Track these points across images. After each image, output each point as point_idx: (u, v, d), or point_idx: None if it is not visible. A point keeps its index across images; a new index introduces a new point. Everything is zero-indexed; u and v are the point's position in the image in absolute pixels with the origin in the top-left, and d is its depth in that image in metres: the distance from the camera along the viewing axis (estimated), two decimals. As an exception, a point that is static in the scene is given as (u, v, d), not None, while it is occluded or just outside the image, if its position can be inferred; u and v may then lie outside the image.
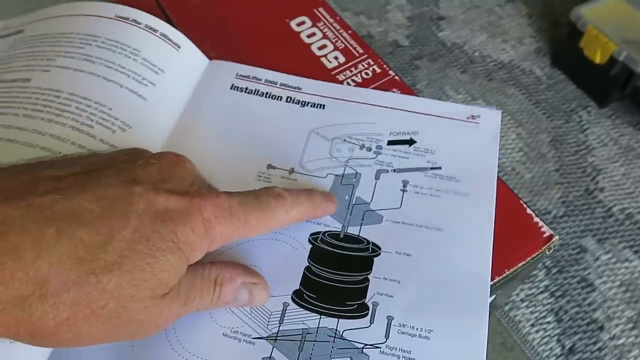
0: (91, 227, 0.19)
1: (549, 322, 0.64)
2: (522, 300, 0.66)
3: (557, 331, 0.63)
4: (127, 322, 0.19)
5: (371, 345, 0.23)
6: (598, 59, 0.86)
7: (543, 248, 0.29)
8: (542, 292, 0.67)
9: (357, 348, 0.23)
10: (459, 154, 0.29)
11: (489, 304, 0.25)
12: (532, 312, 0.65)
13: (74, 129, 0.29)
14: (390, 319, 0.24)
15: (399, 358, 0.23)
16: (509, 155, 0.82)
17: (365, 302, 0.25)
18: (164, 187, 0.21)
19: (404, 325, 0.24)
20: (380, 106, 0.31)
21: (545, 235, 0.30)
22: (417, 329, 0.24)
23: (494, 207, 0.28)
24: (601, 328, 0.65)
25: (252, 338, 0.24)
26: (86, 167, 0.21)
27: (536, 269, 0.68)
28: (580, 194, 0.78)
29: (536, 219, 0.31)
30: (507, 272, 0.28)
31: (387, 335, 0.24)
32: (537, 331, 0.63)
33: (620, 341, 0.63)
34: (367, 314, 0.24)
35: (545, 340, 0.63)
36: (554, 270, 0.69)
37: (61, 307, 0.18)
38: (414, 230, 0.27)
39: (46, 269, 0.17)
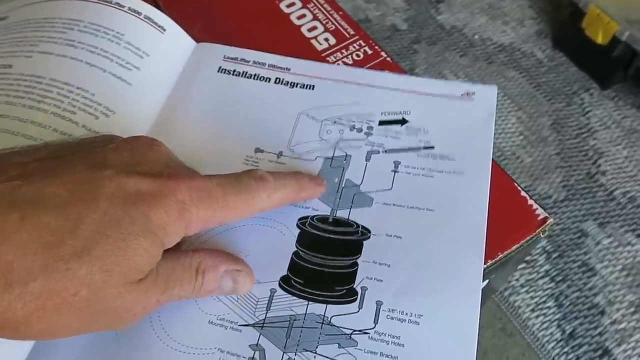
0: (58, 212, 0.18)
1: (549, 307, 0.64)
2: (522, 286, 0.65)
3: (557, 316, 0.63)
4: (102, 310, 0.19)
5: (360, 330, 0.23)
6: (600, 39, 0.84)
7: (537, 231, 0.29)
8: (542, 277, 0.66)
9: (345, 334, 0.23)
10: (453, 132, 0.28)
11: (481, 289, 0.24)
12: (532, 297, 0.64)
13: (55, 115, 0.28)
14: (379, 304, 0.24)
15: (388, 344, 0.23)
16: (509, 139, 0.81)
17: (354, 287, 0.24)
18: (135, 170, 0.20)
19: (393, 310, 0.23)
20: (371, 86, 0.31)
21: (539, 217, 0.29)
22: (406, 313, 0.23)
23: (489, 186, 0.27)
24: (602, 313, 0.64)
25: (239, 325, 0.23)
26: (53, 154, 0.21)
27: (536, 253, 0.68)
28: (581, 177, 0.77)
29: (530, 202, 0.30)
30: (501, 256, 0.27)
31: (375, 321, 0.23)
32: (537, 316, 0.63)
33: (622, 325, 0.63)
34: (355, 299, 0.24)
35: (545, 325, 0.62)
36: (555, 255, 0.68)
37: (28, 296, 0.17)
38: (404, 212, 0.26)
39: (10, 256, 0.17)
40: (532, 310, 0.63)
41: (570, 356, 0.60)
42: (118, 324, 0.20)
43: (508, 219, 0.28)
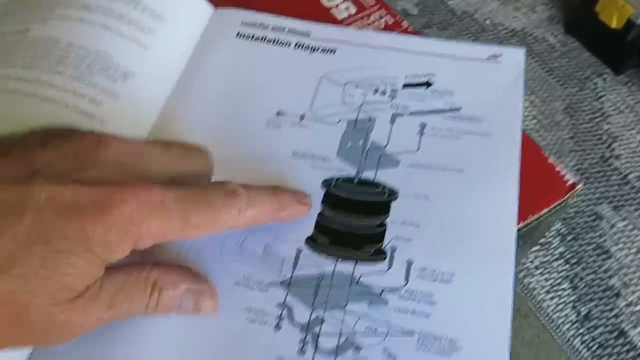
0: None
1: (564, 289, 0.63)
2: (537, 268, 0.65)
3: (572, 298, 0.62)
4: (29, 329, 0.17)
5: (390, 289, 0.22)
6: (614, 23, 0.83)
7: (567, 196, 0.28)
8: (556, 260, 0.65)
9: (374, 293, 0.22)
10: (480, 94, 0.27)
11: (515, 248, 0.24)
12: (546, 279, 0.64)
13: (73, 79, 0.28)
14: (409, 263, 0.23)
15: (419, 302, 0.22)
16: (522, 124, 0.80)
17: (383, 246, 0.24)
18: (74, 177, 0.18)
19: (424, 269, 0.23)
20: (394, 49, 0.30)
21: (568, 183, 0.29)
22: (438, 272, 0.23)
23: (519, 149, 0.26)
24: (617, 295, 0.63)
25: (265, 285, 0.23)
26: None
27: (550, 236, 0.67)
28: (595, 161, 0.76)
29: (558, 168, 0.30)
30: (531, 219, 0.27)
31: (406, 279, 0.23)
32: (551, 298, 0.62)
33: (637, 307, 0.62)
34: (384, 259, 0.23)
35: (560, 307, 0.62)
36: (569, 238, 0.68)
37: None
38: (432, 173, 0.25)
39: None
40: (547, 292, 0.62)
41: (585, 337, 0.59)
42: (53, 342, 0.19)
43: (537, 184, 0.28)
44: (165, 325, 0.22)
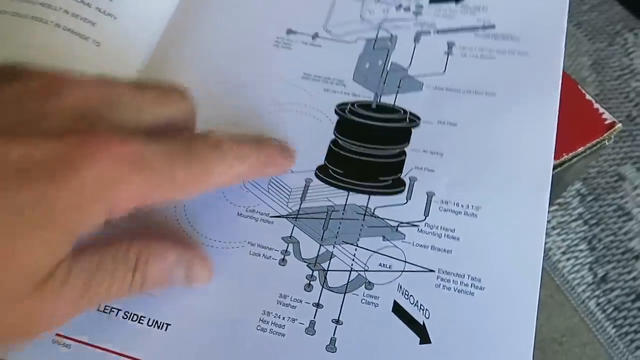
0: None
1: (581, 250, 0.61)
2: (554, 228, 0.62)
3: (589, 259, 0.60)
4: None
5: (408, 223, 0.20)
6: (651, -27, 0.77)
7: (605, 134, 0.26)
8: (575, 220, 0.63)
9: (390, 226, 0.20)
10: (518, 10, 0.24)
11: (550, 183, 0.21)
12: (563, 240, 0.61)
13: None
14: (430, 194, 0.20)
15: (441, 237, 0.20)
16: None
17: (402, 177, 0.21)
18: (25, 130, 0.14)
19: (446, 202, 0.20)
20: (420, -39, 0.26)
21: (607, 122, 0.26)
22: (462, 205, 0.20)
23: (561, 71, 0.23)
24: (637, 257, 0.61)
25: (270, 217, 0.20)
26: None
27: (569, 196, 0.64)
28: (621, 120, 0.72)
29: (597, 105, 0.27)
30: (566, 157, 0.24)
31: (426, 213, 0.20)
32: (568, 259, 0.60)
33: (657, 271, 0.60)
34: (403, 190, 0.21)
35: (576, 268, 0.59)
36: (589, 198, 0.65)
37: None
38: (460, 97, 0.22)
39: None
40: (563, 253, 0.60)
41: (601, 299, 0.57)
42: (19, 340, 0.16)
43: (573, 120, 0.25)
44: None
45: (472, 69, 0.23)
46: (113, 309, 0.19)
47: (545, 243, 0.59)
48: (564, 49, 0.24)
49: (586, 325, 0.56)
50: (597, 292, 0.58)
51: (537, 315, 0.18)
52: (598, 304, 0.57)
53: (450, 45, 0.24)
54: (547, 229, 0.60)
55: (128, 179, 0.15)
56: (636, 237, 0.62)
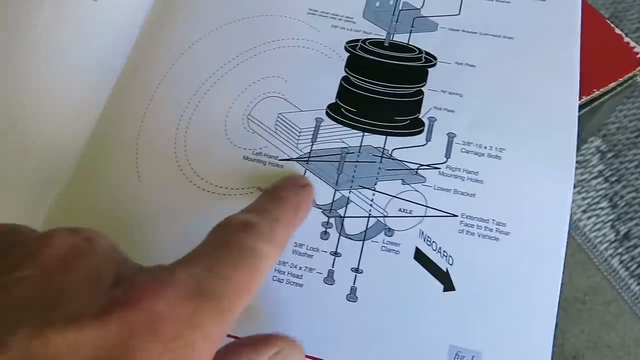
0: None
1: (602, 208, 0.59)
2: (574, 186, 0.61)
3: (611, 217, 0.58)
4: None
5: (428, 165, 0.19)
6: None
7: (637, 69, 0.24)
8: (595, 178, 0.61)
9: (410, 169, 0.19)
10: None
11: (576, 122, 0.20)
12: (583, 198, 0.60)
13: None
14: (451, 135, 0.19)
15: (463, 180, 0.18)
16: None
17: (420, 117, 0.20)
18: (53, 318, 0.11)
19: (469, 143, 0.19)
20: None
21: (639, 55, 0.25)
22: (485, 147, 0.19)
23: (580, 13, 0.22)
24: (660, 214, 0.59)
25: (280, 160, 0.19)
26: None
27: (588, 153, 0.62)
28: None
29: (627, 40, 0.26)
30: (597, 93, 0.23)
31: (447, 155, 0.19)
32: (589, 217, 0.58)
33: (681, 227, 0.58)
34: (422, 131, 0.19)
35: (598, 226, 0.58)
36: (609, 155, 0.63)
37: None
38: (477, 39, 0.21)
39: None
40: (584, 212, 0.59)
41: (624, 257, 0.56)
42: None
43: (602, 56, 0.24)
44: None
45: (487, 11, 0.22)
46: None
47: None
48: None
49: (609, 283, 0.55)
50: (620, 250, 0.56)
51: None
52: (621, 262, 0.56)
53: None
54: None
55: (196, 322, 0.12)
56: (660, 193, 0.60)
